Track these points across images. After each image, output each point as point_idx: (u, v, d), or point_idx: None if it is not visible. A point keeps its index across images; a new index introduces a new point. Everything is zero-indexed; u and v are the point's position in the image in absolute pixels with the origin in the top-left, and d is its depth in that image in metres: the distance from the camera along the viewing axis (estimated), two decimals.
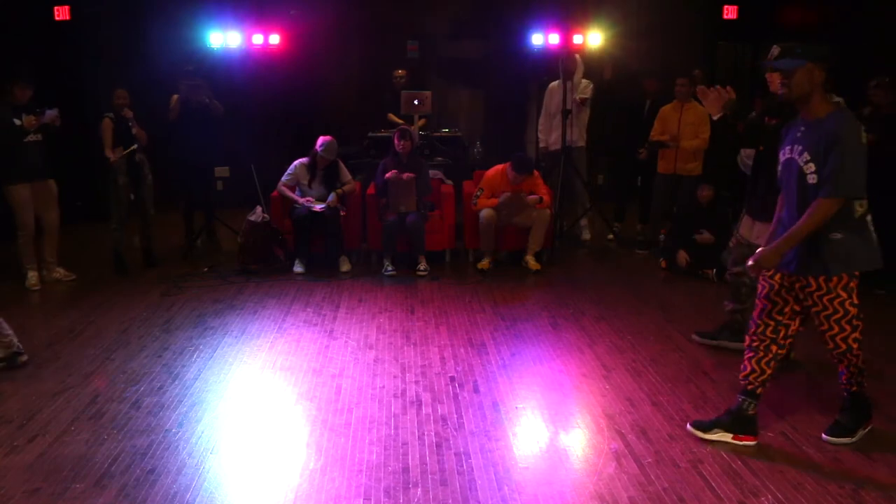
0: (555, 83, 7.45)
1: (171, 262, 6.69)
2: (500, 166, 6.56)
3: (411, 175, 6.37)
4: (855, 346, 3.31)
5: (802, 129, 3.19)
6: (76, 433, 3.47)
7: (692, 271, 6.30)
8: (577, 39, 7.35)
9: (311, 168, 6.51)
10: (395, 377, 4.17)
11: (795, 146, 3.18)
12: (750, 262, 3.29)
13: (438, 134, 8.17)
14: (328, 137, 6.44)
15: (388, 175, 6.37)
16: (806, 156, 3.12)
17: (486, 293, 5.82)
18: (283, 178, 6.55)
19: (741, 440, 3.39)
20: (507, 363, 4.39)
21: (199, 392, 3.96)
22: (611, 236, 7.71)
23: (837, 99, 3.16)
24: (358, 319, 5.18)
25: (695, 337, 4.72)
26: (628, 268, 6.73)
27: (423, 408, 3.78)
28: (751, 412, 3.43)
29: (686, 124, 6.84)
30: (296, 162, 6.57)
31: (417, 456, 3.29)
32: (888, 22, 7.27)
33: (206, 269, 6.43)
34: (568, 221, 7.76)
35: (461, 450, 3.34)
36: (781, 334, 3.42)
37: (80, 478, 3.08)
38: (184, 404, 3.80)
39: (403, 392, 3.97)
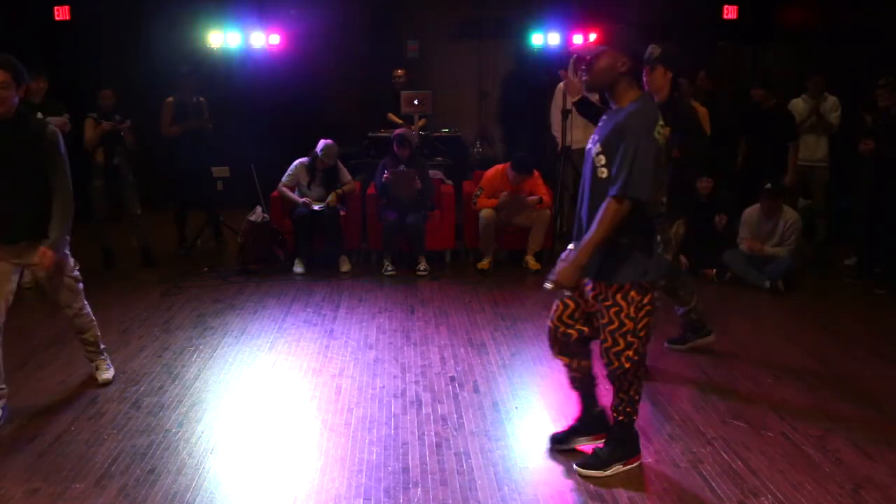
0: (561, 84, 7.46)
1: (171, 263, 6.69)
2: (499, 166, 6.57)
3: (411, 170, 6.40)
4: (628, 365, 2.97)
5: (604, 118, 2.98)
6: (76, 433, 3.47)
7: (692, 271, 6.29)
8: (576, 39, 7.36)
9: (310, 169, 6.51)
10: (395, 377, 4.17)
11: (594, 136, 2.96)
12: (547, 284, 2.96)
13: (438, 134, 8.17)
14: (329, 141, 6.43)
15: (387, 173, 6.38)
16: (598, 146, 2.89)
17: (486, 293, 5.83)
18: (283, 179, 6.55)
19: (631, 463, 3.16)
20: (507, 363, 4.39)
21: (199, 392, 3.96)
22: None
23: (641, 93, 2.94)
24: (358, 319, 5.18)
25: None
26: None
27: (423, 408, 3.78)
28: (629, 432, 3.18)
29: None
30: (296, 162, 6.57)
31: (417, 456, 3.29)
32: (888, 22, 7.27)
33: (206, 269, 6.43)
34: (568, 222, 7.76)
35: (461, 450, 3.34)
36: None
37: (80, 478, 3.08)
38: (184, 404, 3.80)
39: (403, 392, 3.97)
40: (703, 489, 3.02)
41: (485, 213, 6.38)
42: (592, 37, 7.43)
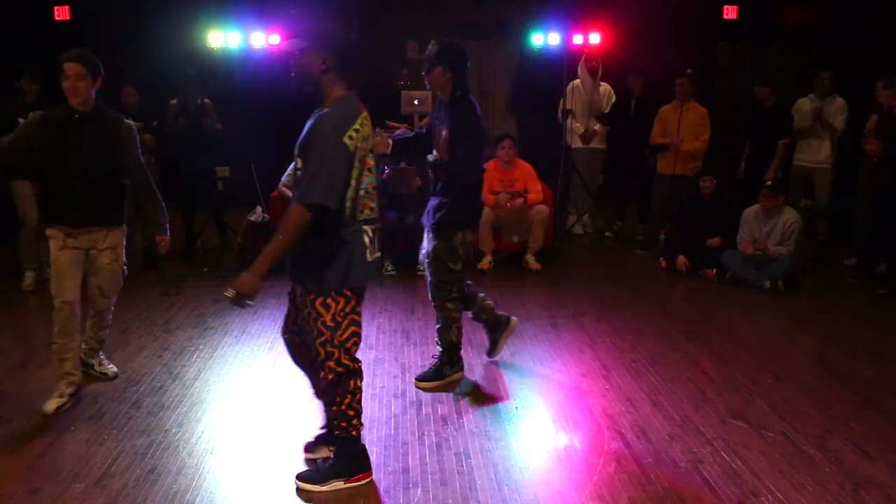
0: (576, 82, 7.48)
1: (171, 262, 6.69)
2: (491, 161, 6.63)
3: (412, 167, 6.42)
4: (331, 376, 2.84)
5: (311, 121, 2.82)
6: (76, 433, 3.47)
7: (692, 271, 6.30)
8: (576, 39, 7.36)
9: None
10: (395, 377, 4.17)
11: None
12: (226, 293, 2.76)
13: None
14: None
15: (387, 170, 6.39)
16: (297, 149, 2.80)
17: (486, 293, 5.81)
18: (283, 179, 6.55)
19: (356, 481, 3.02)
20: (507, 363, 4.39)
21: (199, 392, 3.96)
22: (608, 234, 7.72)
23: (345, 94, 2.81)
24: None
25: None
26: (628, 268, 6.73)
27: (423, 408, 3.78)
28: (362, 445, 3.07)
29: (686, 125, 6.85)
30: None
31: (417, 456, 3.29)
32: (888, 22, 7.27)
33: (206, 269, 6.43)
34: (568, 221, 7.77)
35: (461, 450, 3.34)
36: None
37: (80, 478, 3.08)
38: (184, 404, 3.80)
39: (403, 392, 3.97)
40: (703, 489, 3.02)
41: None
42: (592, 37, 7.44)
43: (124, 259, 3.98)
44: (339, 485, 2.98)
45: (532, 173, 6.59)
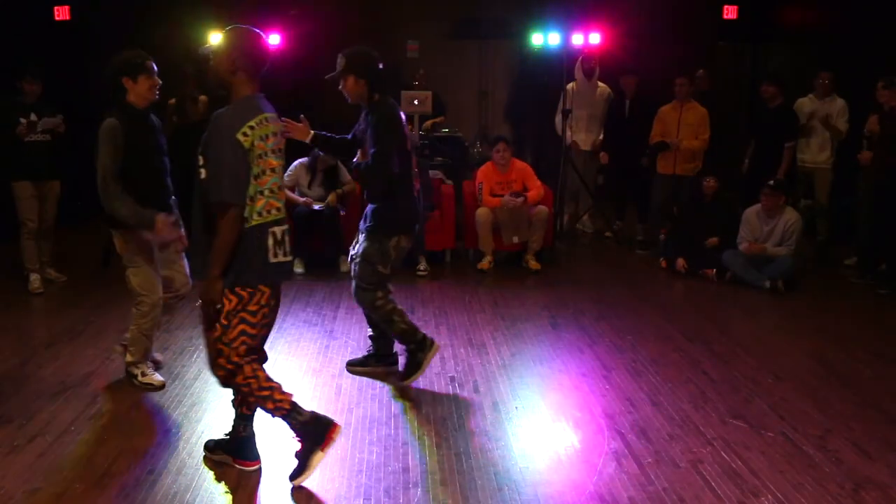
0: (571, 84, 7.45)
1: None
2: (488, 163, 6.65)
3: None
4: (221, 373, 2.92)
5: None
6: (76, 433, 3.47)
7: (692, 272, 6.30)
8: (576, 39, 7.36)
9: (310, 169, 6.51)
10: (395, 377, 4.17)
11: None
12: (198, 305, 2.92)
13: (438, 134, 8.17)
14: None
15: None
16: (200, 147, 2.86)
17: (486, 293, 5.83)
18: (284, 179, 6.54)
19: (243, 465, 3.11)
20: (507, 363, 4.39)
21: (199, 392, 3.96)
22: (608, 234, 7.73)
23: (251, 94, 2.87)
24: (358, 319, 5.17)
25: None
26: (628, 268, 6.73)
27: (423, 408, 3.78)
28: (243, 433, 3.13)
29: (685, 124, 6.85)
30: (296, 162, 6.57)
31: (417, 456, 3.29)
32: (888, 22, 7.27)
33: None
34: (568, 221, 7.77)
35: (461, 450, 3.34)
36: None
37: (80, 478, 3.07)
38: (184, 404, 3.80)
39: (403, 392, 3.97)
40: (703, 489, 3.02)
41: (480, 212, 6.39)
42: (593, 37, 7.44)
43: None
44: (318, 455, 3.01)
45: (530, 172, 6.60)
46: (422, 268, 6.35)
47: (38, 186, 5.68)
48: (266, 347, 4.64)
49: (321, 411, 3.69)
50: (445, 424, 3.60)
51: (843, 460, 3.26)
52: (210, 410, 3.74)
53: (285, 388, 3.04)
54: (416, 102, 7.35)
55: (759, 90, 7.06)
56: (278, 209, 2.91)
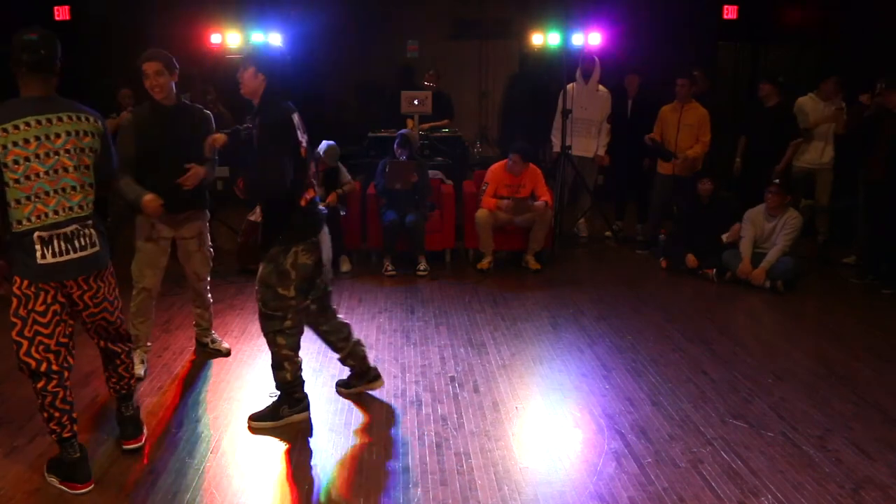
0: (571, 85, 7.41)
1: (171, 262, 6.67)
2: (501, 162, 6.62)
3: (411, 161, 6.43)
4: (22, 366, 2.91)
5: None
6: (76, 433, 3.46)
7: (694, 271, 6.30)
8: (576, 39, 7.36)
9: None
10: (395, 377, 4.17)
11: None
12: None
13: (438, 134, 8.18)
14: (331, 142, 6.43)
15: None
16: None
17: (486, 293, 5.83)
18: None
19: (68, 487, 3.00)
20: (507, 363, 4.39)
21: (199, 392, 3.96)
22: (608, 233, 7.72)
23: (26, 95, 2.85)
24: (358, 319, 5.18)
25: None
26: (628, 268, 6.73)
27: (423, 408, 3.78)
28: (74, 456, 3.01)
29: (686, 125, 6.84)
30: None
31: (417, 456, 3.29)
32: (888, 22, 7.27)
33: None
34: (568, 221, 7.76)
35: (461, 450, 3.34)
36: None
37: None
38: (184, 404, 3.80)
39: (403, 392, 3.98)
40: (703, 489, 3.02)
41: (480, 213, 6.38)
42: (592, 37, 7.43)
43: (209, 242, 4.33)
44: (53, 480, 3.02)
45: (540, 179, 6.58)
46: (422, 268, 6.35)
47: None
48: (266, 347, 4.65)
49: (321, 411, 3.72)
50: (445, 424, 3.60)
51: (843, 460, 3.26)
52: (210, 410, 3.75)
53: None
54: (416, 102, 7.36)
55: (756, 88, 7.07)
56: (46, 214, 2.83)
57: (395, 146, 6.48)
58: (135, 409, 3.38)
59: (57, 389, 2.93)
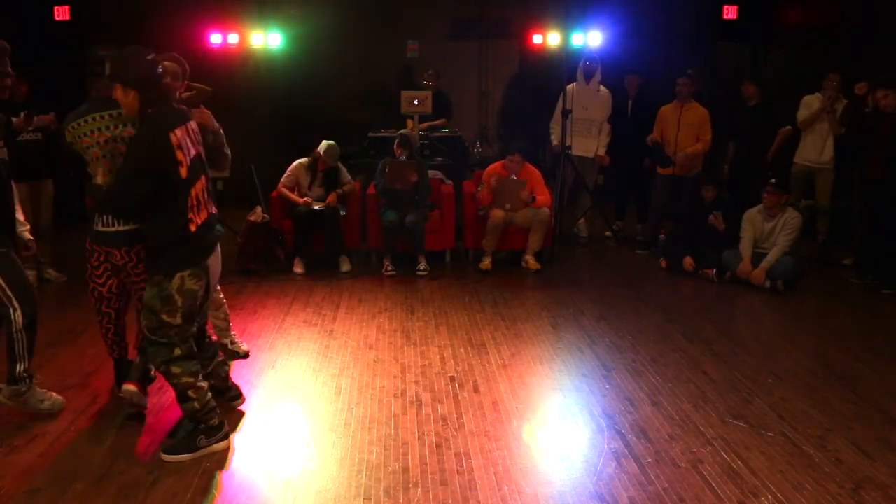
0: (572, 85, 7.39)
1: None
2: (498, 162, 6.63)
3: (411, 161, 6.43)
4: None
5: None
6: (76, 433, 3.47)
7: (693, 272, 6.30)
8: (576, 39, 7.36)
9: (311, 169, 6.51)
10: (395, 377, 4.17)
11: None
12: None
13: (438, 134, 8.18)
14: (331, 142, 6.43)
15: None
16: None
17: (486, 293, 5.83)
18: (283, 179, 6.56)
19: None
20: (507, 363, 4.39)
21: None
22: (608, 233, 7.72)
23: None
24: (358, 319, 5.18)
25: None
26: (628, 268, 6.73)
27: (423, 408, 3.78)
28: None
29: (686, 125, 6.84)
30: (296, 162, 6.57)
31: (417, 456, 3.29)
32: (888, 22, 7.26)
33: None
34: (568, 221, 7.76)
35: (461, 450, 3.34)
36: None
37: (80, 478, 3.08)
38: None
39: (403, 392, 3.97)
40: (703, 489, 3.02)
41: (494, 213, 6.38)
42: (592, 37, 7.43)
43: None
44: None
45: (539, 179, 6.59)
46: (422, 268, 6.35)
47: (32, 187, 5.67)
48: (266, 347, 4.66)
49: (321, 411, 3.72)
50: (445, 424, 3.60)
51: (842, 460, 3.26)
52: None
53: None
54: (416, 102, 7.37)
55: (738, 90, 7.10)
56: None
57: (395, 146, 6.49)
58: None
59: None
